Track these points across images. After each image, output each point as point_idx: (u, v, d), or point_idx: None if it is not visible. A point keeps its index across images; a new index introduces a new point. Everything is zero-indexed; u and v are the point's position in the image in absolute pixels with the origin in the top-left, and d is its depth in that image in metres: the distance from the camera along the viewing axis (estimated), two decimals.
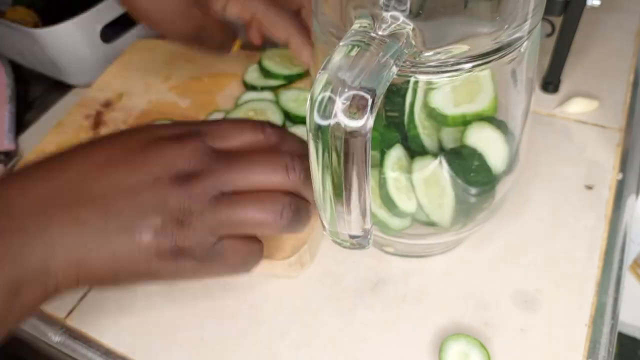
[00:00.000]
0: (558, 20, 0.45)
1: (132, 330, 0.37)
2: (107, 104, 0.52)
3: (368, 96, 0.21)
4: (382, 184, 0.32)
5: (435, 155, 0.31)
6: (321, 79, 0.21)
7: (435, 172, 0.31)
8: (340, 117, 0.21)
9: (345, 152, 0.22)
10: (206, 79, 0.52)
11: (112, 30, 0.58)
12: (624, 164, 0.43)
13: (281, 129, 0.33)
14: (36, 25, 0.58)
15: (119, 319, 0.38)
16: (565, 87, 0.50)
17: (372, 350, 0.35)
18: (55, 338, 0.37)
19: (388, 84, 0.22)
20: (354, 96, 0.20)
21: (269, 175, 0.29)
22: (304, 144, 0.32)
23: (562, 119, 0.48)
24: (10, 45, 0.55)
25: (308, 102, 0.21)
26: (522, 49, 0.27)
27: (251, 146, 0.31)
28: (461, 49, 0.24)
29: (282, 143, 0.32)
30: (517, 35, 0.25)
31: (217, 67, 0.53)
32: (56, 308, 0.39)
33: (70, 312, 0.39)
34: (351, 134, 0.21)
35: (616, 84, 0.50)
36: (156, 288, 0.39)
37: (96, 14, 0.53)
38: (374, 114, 0.21)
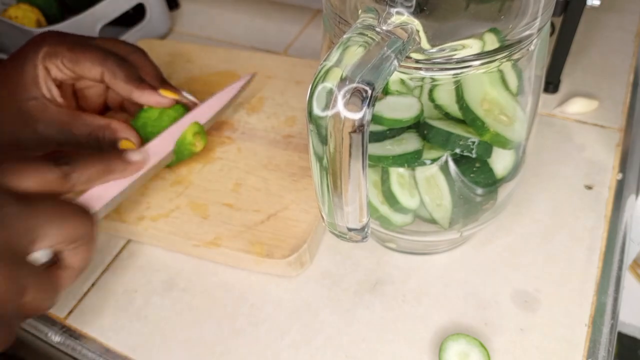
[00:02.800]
0: (558, 20, 0.45)
1: (132, 330, 0.37)
2: None
3: (368, 89, 0.21)
4: (384, 180, 0.32)
5: (443, 153, 0.30)
6: (322, 70, 0.21)
7: (437, 170, 0.31)
8: (340, 109, 0.21)
9: (343, 144, 0.22)
10: (206, 79, 0.52)
11: (112, 30, 0.58)
12: (624, 164, 0.43)
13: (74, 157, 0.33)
14: (39, 23, 0.58)
15: (118, 319, 0.38)
16: (565, 87, 0.50)
17: (372, 350, 0.35)
18: (55, 338, 0.37)
19: (388, 78, 0.22)
20: (354, 89, 0.21)
21: None
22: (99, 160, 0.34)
23: (562, 119, 0.48)
24: (11, 44, 0.55)
25: (308, 93, 0.21)
26: (532, 47, 0.27)
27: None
28: (467, 46, 0.24)
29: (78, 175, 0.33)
30: (527, 33, 0.25)
31: (218, 67, 0.53)
32: (56, 308, 0.39)
33: (70, 312, 0.39)
34: (349, 126, 0.21)
35: (616, 84, 0.50)
36: (156, 287, 0.39)
37: (96, 13, 0.54)
38: (373, 107, 0.21)
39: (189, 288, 0.39)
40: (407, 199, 0.32)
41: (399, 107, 0.29)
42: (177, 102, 0.44)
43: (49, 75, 0.40)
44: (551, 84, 0.49)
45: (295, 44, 0.59)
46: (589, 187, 0.42)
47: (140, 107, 0.43)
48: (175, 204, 0.42)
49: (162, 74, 0.44)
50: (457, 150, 0.30)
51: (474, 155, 0.30)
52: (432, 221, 0.34)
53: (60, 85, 0.41)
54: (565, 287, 0.37)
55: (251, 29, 0.62)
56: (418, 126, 0.30)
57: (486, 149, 0.30)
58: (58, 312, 0.39)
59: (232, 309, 0.38)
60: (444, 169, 0.31)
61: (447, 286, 0.37)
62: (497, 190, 0.34)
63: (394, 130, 0.30)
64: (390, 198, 0.32)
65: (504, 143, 0.30)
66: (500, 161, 0.32)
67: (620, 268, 0.37)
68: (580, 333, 0.34)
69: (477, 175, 0.32)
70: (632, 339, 0.82)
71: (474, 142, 0.29)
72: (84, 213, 0.32)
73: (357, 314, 0.37)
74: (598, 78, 0.51)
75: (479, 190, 0.33)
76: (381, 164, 0.31)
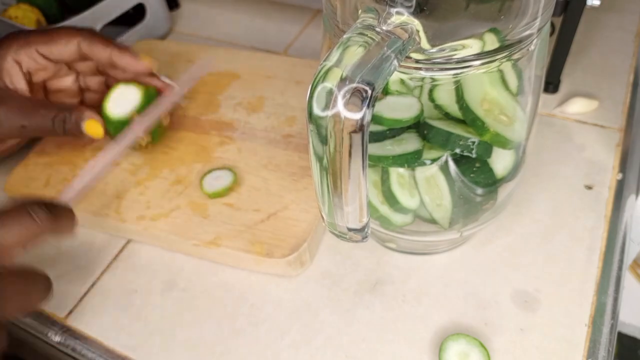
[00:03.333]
0: (558, 20, 0.45)
1: (132, 330, 0.37)
2: None
3: (368, 89, 0.21)
4: (384, 180, 0.32)
5: (443, 153, 0.30)
6: (322, 70, 0.21)
7: (437, 170, 0.31)
8: (340, 109, 0.21)
9: (343, 144, 0.22)
10: (206, 79, 0.52)
11: (112, 30, 0.58)
12: (624, 164, 0.43)
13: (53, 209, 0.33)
14: (39, 23, 0.58)
15: (118, 319, 0.38)
16: (565, 87, 0.50)
17: (372, 350, 0.35)
18: (55, 338, 0.37)
19: (388, 78, 0.22)
20: (353, 89, 0.21)
21: None
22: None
23: (561, 119, 0.48)
24: None
25: (308, 93, 0.21)
26: (532, 47, 0.27)
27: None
28: (467, 46, 0.24)
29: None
30: (527, 32, 0.25)
31: (218, 68, 0.53)
32: (56, 308, 0.39)
33: (70, 312, 0.39)
34: (349, 126, 0.21)
35: (616, 84, 0.50)
36: (156, 287, 0.39)
37: (96, 13, 0.54)
38: (373, 107, 0.21)
39: (189, 288, 0.39)
40: (407, 199, 0.32)
41: (399, 107, 0.29)
42: (153, 82, 0.44)
43: (20, 68, 0.41)
44: (551, 84, 0.49)
45: (295, 44, 0.59)
46: (589, 187, 0.42)
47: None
48: (175, 204, 0.42)
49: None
50: (457, 151, 0.30)
51: (474, 156, 0.30)
52: (432, 221, 0.34)
53: (30, 80, 0.42)
54: (565, 287, 0.37)
55: (251, 29, 0.62)
56: (418, 126, 0.30)
57: (486, 149, 0.30)
58: (58, 312, 0.39)
59: (232, 309, 0.38)
60: (444, 169, 0.31)
61: (447, 286, 0.37)
62: (497, 190, 0.34)
63: (394, 130, 0.30)
64: (390, 198, 0.32)
65: (504, 143, 0.30)
66: (500, 161, 0.32)
67: (620, 268, 0.37)
68: (580, 333, 0.34)
69: (477, 175, 0.32)
70: (632, 339, 0.82)
71: (474, 142, 0.29)
72: None
73: (357, 314, 0.37)
74: (598, 78, 0.51)
75: (479, 190, 0.33)
76: (381, 164, 0.31)
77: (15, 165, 0.46)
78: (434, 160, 0.31)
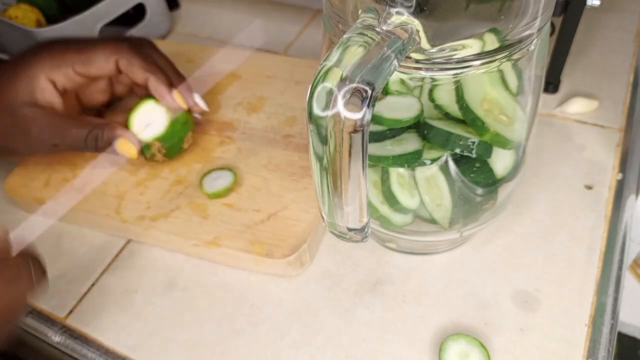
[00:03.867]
0: (558, 21, 0.45)
1: (132, 330, 0.37)
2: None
3: (368, 89, 0.21)
4: (384, 180, 0.32)
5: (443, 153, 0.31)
6: (322, 70, 0.21)
7: (437, 171, 0.31)
8: (340, 109, 0.21)
9: (343, 144, 0.22)
10: (206, 79, 0.52)
11: (112, 30, 0.58)
12: (624, 164, 0.43)
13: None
14: (39, 23, 0.58)
15: (119, 319, 0.38)
16: (565, 87, 0.50)
17: (372, 350, 0.35)
18: (55, 338, 0.37)
19: (389, 78, 0.22)
20: (354, 89, 0.21)
21: None
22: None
23: (561, 119, 0.48)
24: (11, 44, 0.55)
25: (307, 93, 0.21)
26: (532, 47, 0.27)
27: None
28: (467, 46, 0.24)
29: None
30: (527, 32, 0.25)
31: (218, 68, 0.53)
32: (56, 308, 0.39)
33: (70, 312, 0.39)
34: (349, 126, 0.21)
35: (616, 84, 0.50)
36: (156, 287, 0.39)
37: (96, 13, 0.53)
38: (373, 107, 0.21)
39: (189, 288, 0.39)
40: (407, 199, 0.32)
41: (399, 107, 0.29)
42: (188, 111, 0.44)
43: (55, 87, 0.40)
44: (551, 84, 0.49)
45: (295, 44, 0.59)
46: (589, 187, 0.42)
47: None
48: (176, 204, 0.42)
49: (174, 64, 0.44)
50: (457, 151, 0.30)
51: (474, 156, 0.30)
52: (432, 221, 0.34)
53: (64, 92, 0.41)
54: (565, 287, 0.37)
55: (251, 29, 0.62)
56: (418, 126, 0.30)
57: (486, 149, 0.30)
58: (58, 312, 0.39)
59: (232, 309, 0.38)
60: (444, 169, 0.31)
61: (447, 286, 0.37)
62: (497, 190, 0.34)
63: (394, 130, 0.30)
64: (390, 198, 0.32)
65: (504, 143, 0.30)
66: (501, 161, 0.32)
67: (620, 268, 0.37)
68: (580, 333, 0.34)
69: (477, 175, 0.32)
70: (632, 339, 0.82)
71: (474, 142, 0.29)
72: None
73: (357, 314, 0.37)
74: (598, 78, 0.51)
75: (479, 190, 0.33)
76: (381, 164, 0.31)
77: (15, 166, 0.46)
78: (434, 161, 0.31)
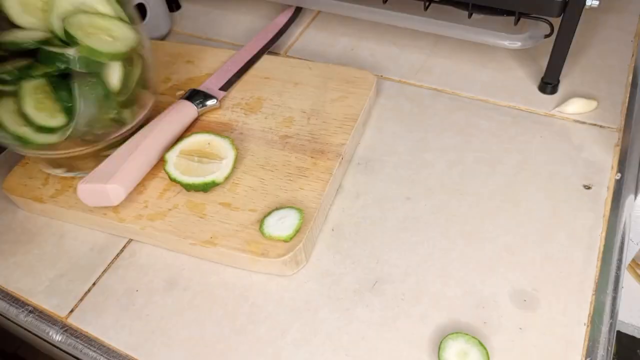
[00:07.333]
0: (557, 21, 0.45)
1: (133, 329, 0.37)
2: None
3: None
4: (21, 106, 0.37)
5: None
6: None
7: (46, 84, 0.37)
8: None
9: None
10: (206, 80, 0.53)
11: None
12: (622, 164, 0.44)
13: None
14: None
15: (119, 318, 0.38)
16: (563, 87, 0.50)
17: (371, 348, 0.35)
18: (56, 337, 0.38)
19: None
20: None
21: None
22: None
23: (560, 119, 0.48)
24: None
25: None
26: None
27: None
28: None
29: None
30: None
31: (218, 68, 0.53)
32: (57, 307, 0.39)
33: (72, 311, 0.39)
34: None
35: (615, 85, 0.50)
36: (157, 287, 0.39)
37: None
38: None
39: (190, 287, 0.39)
40: (45, 120, 0.37)
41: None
42: None
43: None
44: (550, 84, 0.50)
45: (295, 45, 0.59)
46: (588, 187, 0.42)
47: None
48: (173, 203, 0.42)
49: None
50: (62, 66, 0.36)
51: (82, 70, 0.36)
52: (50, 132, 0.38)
53: None
54: (564, 286, 0.37)
55: (251, 29, 0.62)
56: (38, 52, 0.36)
57: (88, 62, 0.37)
58: (59, 311, 0.39)
59: (233, 308, 0.38)
60: (58, 83, 0.37)
61: (446, 285, 0.38)
62: (117, 100, 0.40)
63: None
64: (29, 121, 0.37)
65: (101, 55, 0.37)
66: (114, 74, 0.38)
67: (619, 267, 0.38)
68: (579, 332, 0.35)
69: (92, 88, 0.38)
70: (630, 338, 0.82)
71: (73, 57, 0.36)
72: None
73: (357, 312, 0.37)
74: (597, 78, 0.51)
75: (98, 102, 0.39)
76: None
77: (14, 165, 0.47)
78: (43, 76, 0.36)
